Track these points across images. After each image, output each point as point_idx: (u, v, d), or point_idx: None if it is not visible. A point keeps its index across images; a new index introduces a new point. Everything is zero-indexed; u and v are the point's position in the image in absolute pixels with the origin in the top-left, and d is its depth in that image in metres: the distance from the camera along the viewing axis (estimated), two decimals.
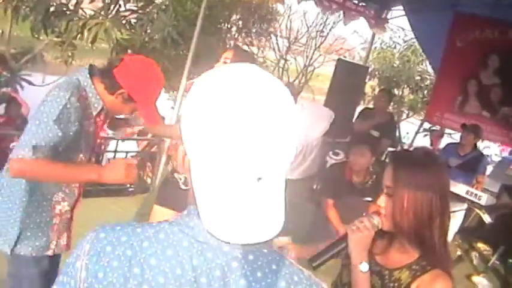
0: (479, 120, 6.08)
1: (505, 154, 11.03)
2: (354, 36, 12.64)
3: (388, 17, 7.29)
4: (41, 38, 7.15)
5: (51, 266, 2.19)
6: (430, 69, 12.47)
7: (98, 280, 0.81)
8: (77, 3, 6.67)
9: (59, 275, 0.87)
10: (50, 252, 2.16)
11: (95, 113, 2.07)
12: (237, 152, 0.72)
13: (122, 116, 2.44)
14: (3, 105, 6.24)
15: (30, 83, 7.08)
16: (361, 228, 1.43)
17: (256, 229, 0.76)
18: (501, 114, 6.42)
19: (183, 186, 2.75)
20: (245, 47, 8.79)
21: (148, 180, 6.00)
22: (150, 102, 2.10)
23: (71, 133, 1.94)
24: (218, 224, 0.76)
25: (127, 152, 5.95)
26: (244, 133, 0.72)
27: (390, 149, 5.91)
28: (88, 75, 2.04)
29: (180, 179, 2.78)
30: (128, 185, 6.13)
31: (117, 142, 5.90)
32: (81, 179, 2.10)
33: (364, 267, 1.41)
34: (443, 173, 1.48)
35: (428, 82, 11.03)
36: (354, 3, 6.74)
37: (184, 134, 0.78)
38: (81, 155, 2.09)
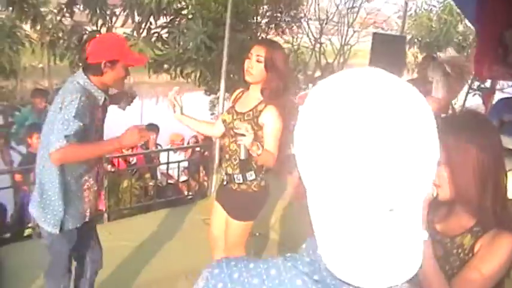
0: None
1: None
2: (387, 5, 12.38)
3: None
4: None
5: (83, 232, 2.71)
6: (469, 28, 12.05)
7: None
8: (108, 28, 6.90)
9: None
10: (87, 219, 2.68)
11: (100, 103, 2.56)
12: (362, 179, 0.61)
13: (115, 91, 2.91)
14: None
15: None
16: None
17: (387, 270, 0.66)
18: None
19: (223, 182, 2.88)
20: (277, 38, 8.80)
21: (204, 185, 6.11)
22: (126, 52, 2.58)
23: (87, 123, 2.39)
24: (342, 264, 0.67)
25: (179, 162, 6.07)
26: (371, 155, 0.60)
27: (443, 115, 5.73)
28: (85, 76, 2.50)
29: (222, 175, 2.89)
30: (186, 193, 6.29)
31: (168, 153, 6.04)
32: (108, 150, 2.59)
33: (424, 235, 1.38)
34: (494, 133, 1.43)
35: (471, 40, 10.61)
36: None
37: (299, 159, 0.67)
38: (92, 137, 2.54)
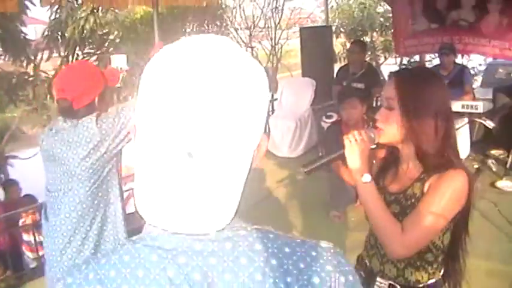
0: (429, 35, 6.08)
1: (490, 60, 10.99)
2: (308, 2, 12.69)
3: None
4: (13, 114, 7.20)
5: None
6: (389, 7, 12.54)
7: None
8: (34, 66, 6.73)
9: None
10: None
11: None
12: (170, 121, 0.65)
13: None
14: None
15: (15, 157, 7.10)
16: (358, 140, 1.46)
17: (198, 217, 0.69)
18: (450, 20, 6.38)
19: None
20: None
21: None
22: (100, 78, 2.11)
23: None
24: (149, 207, 0.70)
25: None
26: (183, 101, 0.65)
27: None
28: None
29: None
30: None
31: None
32: None
33: (366, 177, 1.45)
34: (444, 87, 1.54)
35: (391, 20, 11.04)
36: None
37: (139, 95, 0.71)
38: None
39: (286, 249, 0.73)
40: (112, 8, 6.43)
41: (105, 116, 2.01)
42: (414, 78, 1.51)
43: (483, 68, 10.45)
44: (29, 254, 5.21)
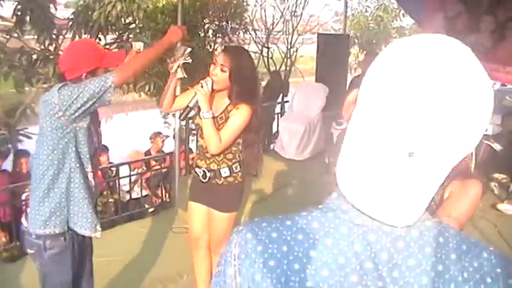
0: None
1: (497, 86, 11.06)
2: (324, 11, 12.79)
3: None
4: (27, 90, 7.25)
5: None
6: (405, 23, 12.70)
7: (257, 283, 0.74)
8: (55, 47, 6.80)
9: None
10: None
11: None
12: (395, 120, 0.67)
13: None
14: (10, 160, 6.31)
15: (29, 137, 7.14)
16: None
17: (405, 210, 0.72)
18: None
19: (202, 179, 2.92)
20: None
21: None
22: (102, 55, 2.43)
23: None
24: (359, 196, 0.73)
25: (138, 174, 6.07)
26: (410, 102, 0.66)
27: None
28: None
29: (200, 173, 2.93)
30: (146, 207, 6.30)
31: (130, 167, 6.01)
32: (164, 47, 2.58)
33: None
34: None
35: (407, 35, 11.12)
36: None
37: (362, 86, 0.73)
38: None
39: (464, 247, 0.76)
40: None
41: (69, 85, 2.27)
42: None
43: None
44: None
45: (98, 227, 2.51)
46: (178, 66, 2.88)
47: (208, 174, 2.90)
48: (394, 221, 0.72)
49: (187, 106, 2.77)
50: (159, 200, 6.51)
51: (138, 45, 2.86)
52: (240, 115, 2.77)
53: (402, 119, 0.66)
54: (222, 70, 2.73)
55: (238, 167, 2.90)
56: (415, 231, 0.74)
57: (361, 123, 0.72)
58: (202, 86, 2.71)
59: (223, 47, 2.82)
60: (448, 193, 1.53)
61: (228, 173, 2.88)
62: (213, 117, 2.78)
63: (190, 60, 2.90)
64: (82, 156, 2.40)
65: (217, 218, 2.97)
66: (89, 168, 2.45)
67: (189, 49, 2.93)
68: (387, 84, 0.68)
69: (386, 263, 0.72)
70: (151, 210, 6.16)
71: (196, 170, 2.97)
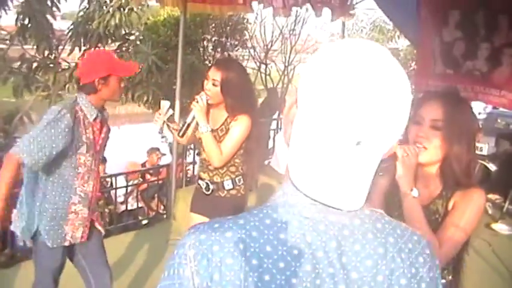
0: (444, 80, 6.23)
1: (489, 110, 11.23)
2: (319, 31, 12.92)
3: (354, 1, 7.44)
4: (25, 98, 7.25)
5: (64, 256, 2.70)
6: (400, 45, 12.85)
7: (216, 282, 0.77)
8: (54, 57, 6.84)
9: None
10: (66, 243, 2.64)
11: (91, 120, 2.59)
12: (341, 113, 0.74)
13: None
14: None
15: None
16: (413, 154, 1.54)
17: (352, 194, 0.79)
18: (465, 69, 6.53)
19: (205, 192, 2.94)
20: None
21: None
22: (115, 65, 2.62)
23: (61, 137, 2.41)
24: (311, 185, 0.79)
25: (134, 185, 6.04)
26: (351, 96, 0.74)
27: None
28: (83, 95, 2.57)
29: (203, 185, 2.95)
30: (140, 218, 6.26)
31: (127, 179, 6.00)
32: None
33: (415, 192, 1.57)
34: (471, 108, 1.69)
35: (401, 57, 11.27)
36: None
37: (299, 89, 0.81)
38: (83, 158, 2.58)
39: (398, 231, 0.84)
40: (139, 6, 6.59)
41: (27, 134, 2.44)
42: (459, 101, 1.63)
43: (483, 116, 10.71)
44: None
45: None
46: (163, 123, 2.96)
47: (211, 187, 2.91)
48: (345, 206, 0.79)
49: (185, 122, 2.83)
50: (153, 213, 6.48)
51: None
52: (240, 126, 2.79)
53: (350, 113, 0.74)
54: (213, 84, 2.76)
55: (242, 179, 2.91)
56: (357, 219, 0.82)
57: (307, 120, 0.79)
58: (197, 102, 2.76)
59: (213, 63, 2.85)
60: (452, 204, 1.56)
61: (231, 186, 2.89)
62: (213, 131, 2.81)
63: (172, 113, 2.99)
64: None
65: None
66: None
67: (168, 105, 2.99)
68: (328, 83, 0.76)
69: (335, 250, 0.79)
70: (144, 222, 6.13)
71: (199, 182, 2.99)
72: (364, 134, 0.76)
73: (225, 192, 2.91)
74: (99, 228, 2.87)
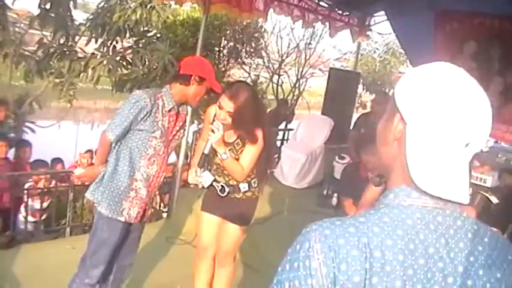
0: None
1: (491, 143, 11.24)
2: (331, 49, 13.02)
3: (371, 23, 7.53)
4: (38, 83, 7.27)
5: (121, 231, 2.94)
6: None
7: (342, 272, 0.85)
8: (71, 45, 6.89)
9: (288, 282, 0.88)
10: (122, 219, 2.87)
11: (167, 109, 2.83)
12: (453, 123, 0.90)
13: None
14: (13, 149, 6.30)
15: (33, 131, 7.13)
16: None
17: (462, 189, 0.92)
18: None
19: (220, 194, 3.00)
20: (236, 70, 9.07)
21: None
22: (213, 77, 2.91)
23: (142, 121, 2.75)
24: (433, 184, 0.91)
25: None
26: (457, 107, 0.91)
27: None
28: (168, 86, 2.88)
29: (218, 187, 3.01)
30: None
31: None
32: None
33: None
34: None
35: None
36: (339, 14, 6.99)
37: (403, 106, 0.95)
38: (155, 141, 2.84)
39: (489, 232, 0.97)
40: (161, 5, 6.64)
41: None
42: None
43: (485, 149, 10.74)
44: (29, 218, 5.26)
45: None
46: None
47: (227, 189, 2.99)
48: (460, 198, 0.92)
49: (203, 153, 2.91)
50: (153, 210, 6.49)
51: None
52: (256, 143, 2.88)
53: (460, 122, 0.90)
54: (229, 116, 2.79)
55: (256, 182, 3.00)
56: (459, 221, 0.94)
57: (423, 132, 0.93)
58: (213, 131, 2.82)
59: (225, 89, 2.90)
60: None
61: (247, 188, 2.99)
62: (229, 144, 2.90)
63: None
64: None
65: (231, 230, 3.04)
66: None
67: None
68: (439, 101, 0.91)
69: (444, 246, 0.91)
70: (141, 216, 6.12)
71: (214, 184, 3.04)
72: (472, 137, 0.92)
73: (241, 194, 3.00)
74: (147, 214, 3.11)
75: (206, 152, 2.88)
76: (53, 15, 6.47)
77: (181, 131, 3.05)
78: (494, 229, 1.00)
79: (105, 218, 2.85)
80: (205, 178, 2.99)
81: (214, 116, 2.91)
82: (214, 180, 3.03)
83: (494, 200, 5.06)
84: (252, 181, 3.00)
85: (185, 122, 3.12)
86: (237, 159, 2.88)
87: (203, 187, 3.04)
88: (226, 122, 2.81)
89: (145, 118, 2.75)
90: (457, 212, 0.94)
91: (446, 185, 0.91)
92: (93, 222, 3.00)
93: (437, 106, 0.91)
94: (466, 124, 0.90)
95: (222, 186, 2.99)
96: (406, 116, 0.94)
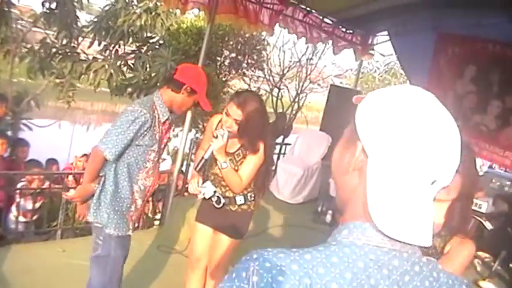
0: None
1: (485, 168, 11.28)
2: (329, 65, 13.09)
3: (374, 42, 7.58)
4: (38, 81, 7.26)
5: (129, 244, 2.88)
6: None
7: None
8: (73, 47, 6.89)
9: None
10: (130, 233, 2.84)
11: (162, 120, 2.76)
12: (418, 158, 0.81)
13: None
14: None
15: (30, 128, 7.10)
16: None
17: (424, 231, 0.84)
18: (473, 122, 6.53)
19: (216, 205, 2.98)
20: (237, 81, 9.07)
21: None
22: (204, 92, 2.83)
23: (142, 137, 2.65)
24: (392, 224, 0.82)
25: None
26: (424, 140, 0.81)
27: None
28: (159, 93, 2.78)
29: (214, 199, 2.99)
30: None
31: None
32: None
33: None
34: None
35: None
36: (342, 31, 7.03)
37: (366, 137, 0.85)
38: (153, 154, 2.78)
39: (450, 281, 0.90)
40: (165, 12, 6.66)
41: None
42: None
43: (480, 175, 10.76)
44: (20, 218, 5.20)
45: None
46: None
47: (223, 201, 2.96)
48: (421, 241, 0.84)
49: (202, 158, 2.88)
50: (145, 216, 6.44)
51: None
52: (256, 155, 2.86)
53: (426, 157, 0.81)
54: (236, 123, 2.77)
55: (253, 195, 2.97)
56: (417, 266, 0.86)
57: (384, 165, 0.83)
58: (217, 137, 2.79)
59: (233, 97, 2.86)
60: (448, 249, 1.73)
61: (242, 201, 2.95)
62: (229, 154, 2.87)
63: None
64: None
65: (224, 243, 3.00)
66: None
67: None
68: (402, 132, 0.82)
69: None
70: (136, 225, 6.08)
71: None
72: (439, 174, 0.83)
73: (236, 206, 2.97)
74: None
75: (206, 157, 2.86)
76: (58, 14, 6.48)
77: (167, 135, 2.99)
78: (462, 278, 0.92)
79: (115, 238, 2.76)
80: (207, 189, 2.97)
81: (217, 124, 2.90)
82: (215, 191, 3.00)
83: (488, 226, 5.05)
84: (249, 194, 2.97)
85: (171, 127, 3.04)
86: (236, 171, 2.86)
87: (204, 198, 3.01)
88: (232, 130, 2.79)
89: (144, 133, 2.67)
90: (416, 256, 0.86)
91: (406, 226, 0.83)
92: (97, 246, 2.79)
93: (403, 138, 0.81)
94: (433, 159, 0.81)
95: (218, 197, 2.97)
96: (368, 148, 0.85)
